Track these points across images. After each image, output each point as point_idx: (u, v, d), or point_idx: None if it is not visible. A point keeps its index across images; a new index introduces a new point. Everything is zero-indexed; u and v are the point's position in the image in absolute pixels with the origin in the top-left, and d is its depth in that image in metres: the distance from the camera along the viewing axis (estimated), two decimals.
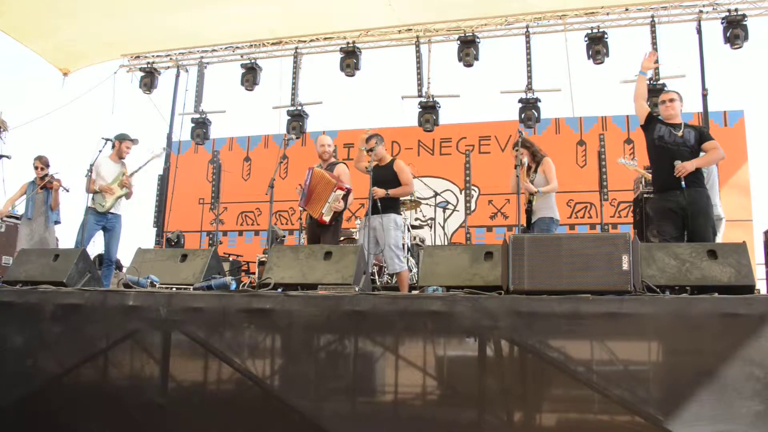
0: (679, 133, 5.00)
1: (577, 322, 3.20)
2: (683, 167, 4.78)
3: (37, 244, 6.94)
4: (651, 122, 5.17)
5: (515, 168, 5.40)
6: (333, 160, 6.45)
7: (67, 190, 7.33)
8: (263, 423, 3.62)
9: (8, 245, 7.66)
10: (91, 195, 6.57)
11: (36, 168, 7.19)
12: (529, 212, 5.72)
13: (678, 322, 3.10)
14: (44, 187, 7.15)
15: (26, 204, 7.20)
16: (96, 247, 7.01)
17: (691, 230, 4.78)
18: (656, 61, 5.27)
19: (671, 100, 5.17)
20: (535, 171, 5.77)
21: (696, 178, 4.89)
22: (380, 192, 5.74)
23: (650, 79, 8.37)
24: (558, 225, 5.80)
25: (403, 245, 7.10)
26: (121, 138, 6.87)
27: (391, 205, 5.85)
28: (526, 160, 5.76)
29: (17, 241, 7.18)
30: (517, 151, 5.53)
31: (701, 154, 4.97)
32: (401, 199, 6.33)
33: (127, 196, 6.82)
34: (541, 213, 5.67)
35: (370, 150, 5.91)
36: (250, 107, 11.29)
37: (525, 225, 5.74)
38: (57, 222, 7.42)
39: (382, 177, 5.87)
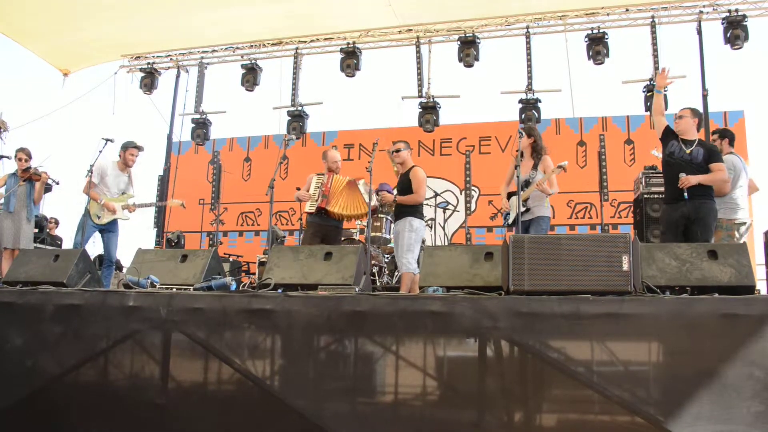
0: (688, 150, 5.26)
1: (578, 323, 3.19)
2: (687, 180, 5.05)
3: (19, 237, 6.86)
4: (667, 137, 5.41)
5: (513, 163, 5.46)
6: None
7: (57, 183, 7.22)
8: (263, 423, 3.61)
9: None
10: (88, 197, 6.54)
11: (20, 160, 7.05)
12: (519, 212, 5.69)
13: (678, 323, 3.09)
14: (28, 180, 6.98)
15: (7, 197, 6.99)
16: (96, 247, 6.99)
17: (688, 238, 5.03)
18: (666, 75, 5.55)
19: (680, 117, 5.39)
20: (535, 167, 5.72)
21: (703, 190, 5.13)
22: (388, 197, 6.01)
23: (651, 80, 8.39)
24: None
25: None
26: (125, 146, 6.78)
27: (405, 210, 5.97)
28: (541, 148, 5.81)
29: None
30: (521, 136, 5.68)
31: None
32: None
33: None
34: (539, 212, 5.63)
35: (396, 152, 6.19)
36: (251, 108, 11.31)
37: (510, 222, 5.75)
38: (37, 216, 7.36)
39: (401, 184, 6.11)
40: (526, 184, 5.63)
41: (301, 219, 8.47)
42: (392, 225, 6.24)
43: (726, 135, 6.11)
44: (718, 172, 5.18)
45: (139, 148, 6.89)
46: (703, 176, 5.11)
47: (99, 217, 6.56)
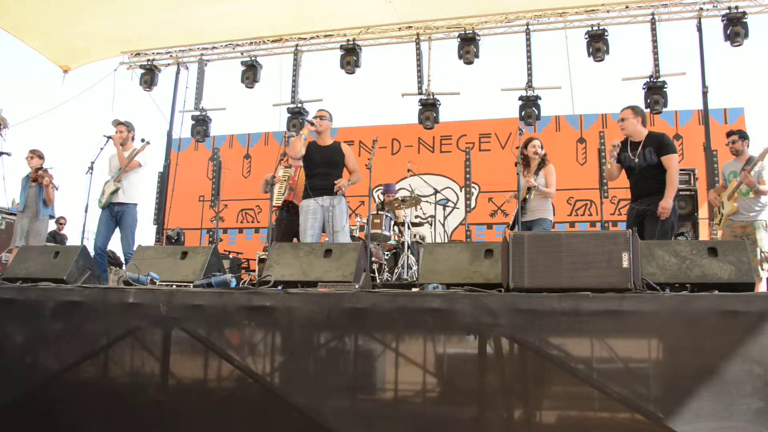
0: (635, 156, 5.03)
1: (577, 320, 3.19)
2: (665, 210, 4.84)
3: (26, 236, 6.89)
4: (622, 151, 5.20)
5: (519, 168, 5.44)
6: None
7: (56, 188, 7.25)
8: (263, 420, 3.62)
9: (7, 241, 7.68)
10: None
11: (31, 159, 7.16)
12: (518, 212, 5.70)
13: (678, 320, 3.09)
14: (36, 181, 7.10)
15: (20, 197, 7.19)
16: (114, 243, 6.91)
17: (642, 232, 4.91)
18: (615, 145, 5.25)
19: (622, 120, 5.15)
20: (537, 173, 5.78)
21: (657, 188, 4.96)
22: (344, 182, 5.74)
23: (650, 76, 8.40)
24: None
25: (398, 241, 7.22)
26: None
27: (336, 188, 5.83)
28: (542, 151, 5.79)
29: (13, 236, 7.20)
30: (521, 133, 5.64)
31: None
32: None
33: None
34: (540, 214, 5.69)
35: (321, 118, 5.90)
36: (251, 104, 11.33)
37: (511, 223, 5.79)
38: (51, 216, 7.39)
39: (328, 154, 5.84)
40: (529, 191, 5.65)
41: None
42: (315, 201, 5.83)
43: (746, 137, 5.87)
44: (669, 171, 4.93)
45: (125, 125, 6.78)
46: (668, 193, 4.90)
47: (101, 201, 6.49)
